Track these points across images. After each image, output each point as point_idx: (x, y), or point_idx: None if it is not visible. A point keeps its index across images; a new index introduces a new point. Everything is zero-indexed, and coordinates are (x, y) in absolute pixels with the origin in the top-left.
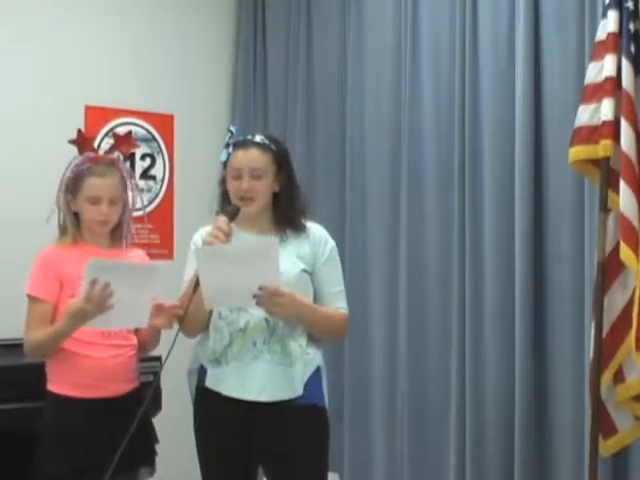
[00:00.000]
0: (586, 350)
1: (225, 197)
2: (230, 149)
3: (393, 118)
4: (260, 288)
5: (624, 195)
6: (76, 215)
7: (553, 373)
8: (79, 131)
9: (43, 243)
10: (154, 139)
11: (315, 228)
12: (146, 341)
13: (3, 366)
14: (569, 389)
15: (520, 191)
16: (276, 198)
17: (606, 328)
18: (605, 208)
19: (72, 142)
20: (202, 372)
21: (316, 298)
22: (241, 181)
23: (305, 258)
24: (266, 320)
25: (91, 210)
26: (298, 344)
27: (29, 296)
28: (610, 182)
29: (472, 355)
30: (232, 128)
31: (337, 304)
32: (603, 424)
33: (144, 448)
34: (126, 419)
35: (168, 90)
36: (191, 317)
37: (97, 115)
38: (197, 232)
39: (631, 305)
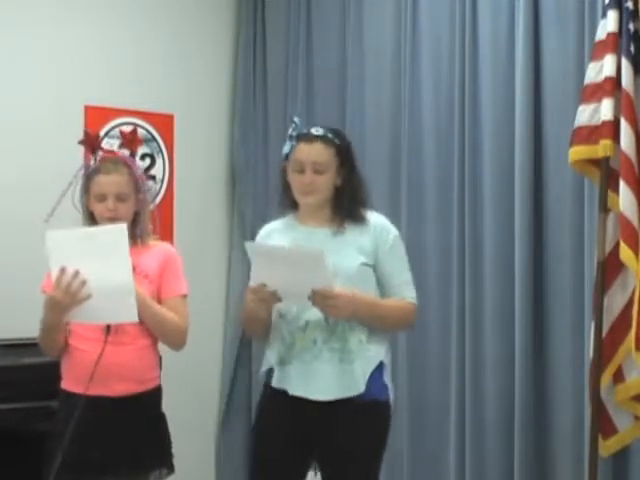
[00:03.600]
0: (586, 350)
1: (285, 189)
2: (293, 141)
3: (393, 118)
4: (313, 294)
5: (624, 195)
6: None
7: (553, 373)
8: (86, 132)
9: (43, 243)
10: (154, 139)
11: (376, 218)
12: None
13: (3, 366)
14: (569, 389)
15: (520, 191)
16: (338, 191)
17: (606, 328)
18: (605, 208)
19: (81, 143)
20: (270, 372)
21: (381, 289)
22: (304, 175)
23: (366, 250)
24: (325, 318)
25: (99, 207)
26: (358, 339)
27: (43, 292)
28: (610, 182)
29: (472, 355)
30: (296, 119)
31: (403, 294)
32: (603, 424)
33: (155, 451)
34: (132, 420)
35: (168, 90)
36: (250, 324)
37: (97, 115)
38: (260, 232)
39: (631, 305)
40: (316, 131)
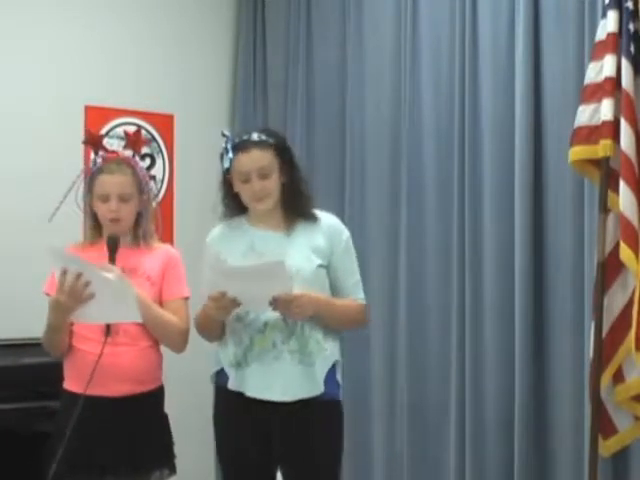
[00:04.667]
0: (586, 350)
1: (230, 200)
2: (230, 154)
3: (393, 118)
4: (273, 300)
5: (624, 195)
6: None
7: (553, 373)
8: (88, 131)
9: (43, 243)
10: (154, 139)
11: (328, 218)
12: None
13: (3, 366)
14: (569, 389)
15: (520, 191)
16: (285, 190)
17: (606, 328)
18: (605, 208)
19: (85, 143)
20: (223, 375)
21: (333, 290)
22: (251, 183)
23: (320, 251)
24: (284, 319)
25: (102, 208)
26: (315, 340)
27: (46, 294)
28: (610, 182)
29: (472, 355)
30: (226, 132)
31: (354, 295)
32: (603, 424)
33: (157, 451)
34: (133, 420)
35: (168, 90)
36: (207, 326)
37: (97, 115)
38: (209, 236)
39: (631, 305)
40: (250, 137)
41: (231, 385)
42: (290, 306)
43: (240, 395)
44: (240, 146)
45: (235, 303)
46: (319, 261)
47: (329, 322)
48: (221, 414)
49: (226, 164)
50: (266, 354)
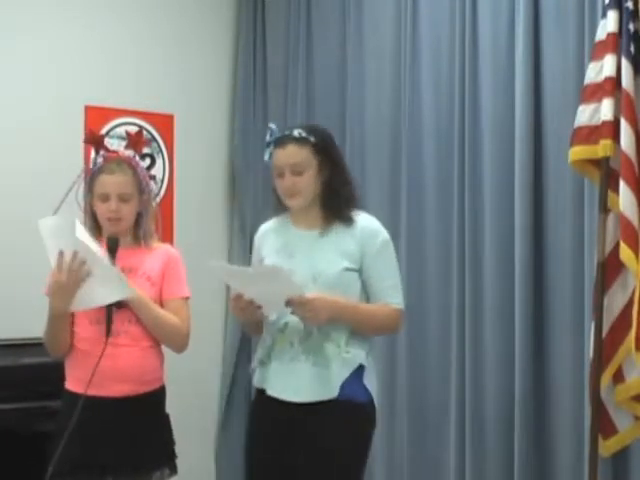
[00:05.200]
0: (586, 350)
1: (276, 194)
2: (271, 148)
3: (393, 118)
4: (287, 303)
5: (624, 195)
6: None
7: (553, 373)
8: (90, 131)
9: (42, 243)
10: (154, 139)
11: (364, 221)
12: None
13: (3, 366)
14: (569, 389)
15: (520, 191)
16: (325, 189)
17: (606, 328)
18: (605, 208)
19: (86, 142)
20: (254, 371)
21: (367, 294)
22: (284, 179)
23: (350, 255)
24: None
25: (101, 207)
26: (335, 345)
27: (47, 295)
28: (610, 182)
29: (472, 355)
30: (272, 126)
31: (387, 299)
32: (603, 424)
33: (158, 451)
34: (135, 420)
35: (168, 90)
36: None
37: (97, 115)
38: (258, 231)
39: (631, 305)
40: (290, 133)
41: (255, 381)
42: (304, 309)
43: (263, 393)
44: (279, 141)
45: (253, 304)
46: (347, 264)
47: (352, 325)
48: (251, 410)
49: (266, 157)
50: (284, 353)
